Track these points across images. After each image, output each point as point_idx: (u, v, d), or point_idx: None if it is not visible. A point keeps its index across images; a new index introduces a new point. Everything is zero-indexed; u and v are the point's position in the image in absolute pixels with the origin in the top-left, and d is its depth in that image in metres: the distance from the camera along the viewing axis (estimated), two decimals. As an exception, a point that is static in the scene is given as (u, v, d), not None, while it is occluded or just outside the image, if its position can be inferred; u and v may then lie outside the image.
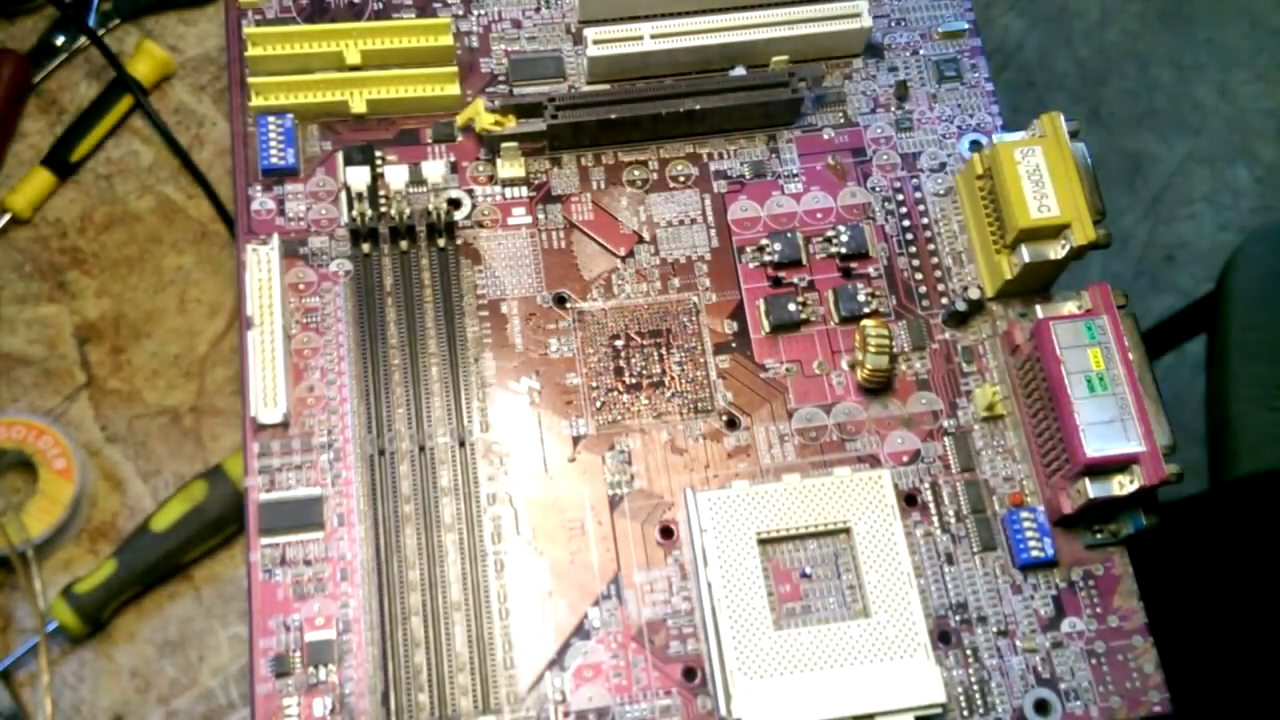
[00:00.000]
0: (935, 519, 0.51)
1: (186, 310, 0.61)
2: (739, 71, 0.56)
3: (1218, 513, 0.78)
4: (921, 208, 0.56)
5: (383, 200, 0.54)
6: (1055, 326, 0.49)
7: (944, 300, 0.55)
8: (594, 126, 0.55)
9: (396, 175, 0.55)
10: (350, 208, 0.54)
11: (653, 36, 0.55)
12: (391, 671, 0.47)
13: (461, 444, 0.50)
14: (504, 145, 0.55)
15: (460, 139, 0.56)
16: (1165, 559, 0.51)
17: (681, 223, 0.55)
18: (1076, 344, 0.48)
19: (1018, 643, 0.49)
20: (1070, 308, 0.50)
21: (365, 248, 0.53)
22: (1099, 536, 0.50)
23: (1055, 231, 0.51)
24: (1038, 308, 0.50)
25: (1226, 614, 0.76)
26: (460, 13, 0.58)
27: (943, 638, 0.49)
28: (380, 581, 0.48)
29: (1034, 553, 0.50)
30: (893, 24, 0.60)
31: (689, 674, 0.48)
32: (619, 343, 0.53)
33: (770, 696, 0.46)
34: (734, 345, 0.53)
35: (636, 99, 0.55)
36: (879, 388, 0.53)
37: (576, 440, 0.51)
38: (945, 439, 0.52)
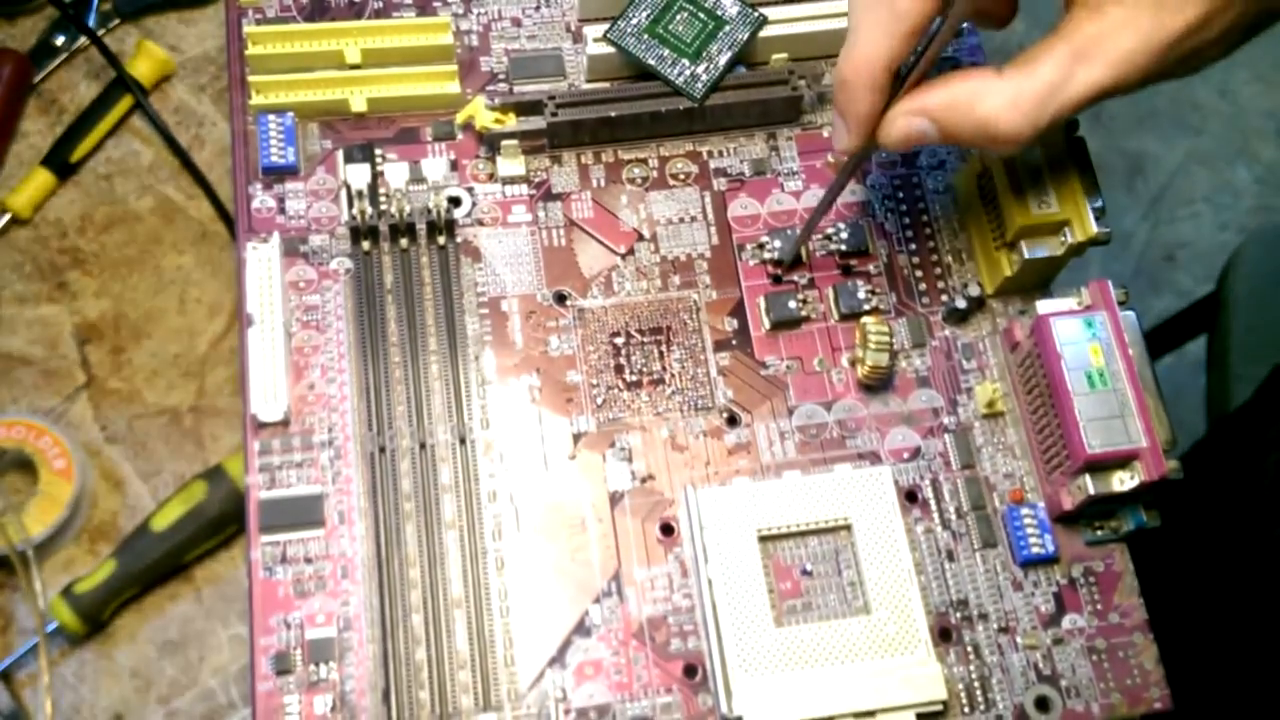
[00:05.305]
0: (936, 516, 0.51)
1: (186, 310, 0.61)
2: (739, 70, 0.56)
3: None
4: (921, 205, 0.56)
5: (383, 198, 0.54)
6: (1055, 323, 0.49)
7: (944, 297, 0.54)
8: (594, 124, 0.55)
9: (396, 173, 0.55)
10: (350, 206, 0.54)
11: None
12: (392, 669, 0.47)
13: (462, 441, 0.50)
14: (504, 143, 0.55)
15: (460, 137, 0.56)
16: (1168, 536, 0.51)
17: (681, 220, 0.55)
18: (1076, 340, 0.48)
19: (1018, 639, 0.49)
20: (1070, 304, 0.50)
21: (365, 245, 0.53)
22: (1099, 533, 0.50)
23: (1054, 228, 0.51)
24: (1038, 304, 0.50)
25: (1227, 610, 0.75)
26: (460, 11, 0.58)
27: (943, 634, 0.49)
28: (381, 579, 0.48)
29: (1035, 549, 0.50)
30: (892, 22, 0.60)
31: (690, 671, 0.48)
32: (619, 340, 0.53)
33: (771, 693, 0.46)
34: (734, 342, 0.53)
35: (636, 97, 0.55)
36: (879, 385, 0.53)
37: (577, 437, 0.51)
38: (946, 436, 0.52)
